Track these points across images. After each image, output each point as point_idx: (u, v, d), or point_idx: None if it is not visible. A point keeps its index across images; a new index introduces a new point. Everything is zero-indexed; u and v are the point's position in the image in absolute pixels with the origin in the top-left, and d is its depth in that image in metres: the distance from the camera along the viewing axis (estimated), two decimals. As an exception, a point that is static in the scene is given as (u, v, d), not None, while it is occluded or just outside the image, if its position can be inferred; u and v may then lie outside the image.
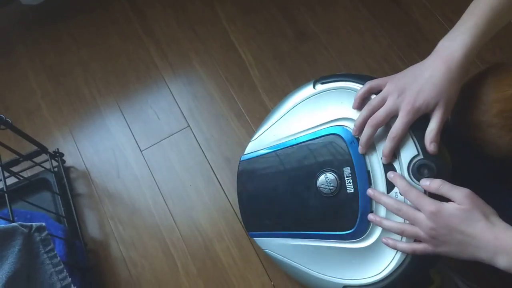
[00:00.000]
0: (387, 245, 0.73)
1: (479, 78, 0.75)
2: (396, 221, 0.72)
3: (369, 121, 0.73)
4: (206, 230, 1.04)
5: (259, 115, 1.13)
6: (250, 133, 1.11)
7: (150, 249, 1.04)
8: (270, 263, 0.99)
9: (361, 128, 0.74)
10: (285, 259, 0.87)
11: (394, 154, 0.73)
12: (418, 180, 0.71)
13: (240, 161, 0.93)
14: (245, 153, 0.93)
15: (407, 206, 0.69)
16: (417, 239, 0.70)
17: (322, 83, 0.85)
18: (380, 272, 0.77)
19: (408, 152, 0.73)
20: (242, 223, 0.90)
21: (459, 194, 0.64)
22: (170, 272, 1.01)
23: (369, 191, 0.75)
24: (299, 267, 0.85)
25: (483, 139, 0.73)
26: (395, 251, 0.74)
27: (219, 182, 1.08)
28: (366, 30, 1.19)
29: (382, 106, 0.71)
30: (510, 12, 0.67)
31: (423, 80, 0.67)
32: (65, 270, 0.71)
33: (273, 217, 0.89)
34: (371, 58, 1.15)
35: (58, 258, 0.72)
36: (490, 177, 0.77)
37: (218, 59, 1.20)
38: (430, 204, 0.65)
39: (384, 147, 0.73)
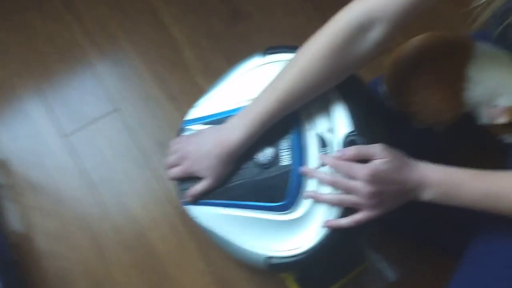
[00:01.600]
0: (330, 227, 0.73)
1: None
2: (333, 193, 0.72)
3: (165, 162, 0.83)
4: (139, 218, 0.99)
5: (193, 96, 1.06)
6: (183, 116, 1.06)
7: (79, 240, 0.97)
8: (207, 249, 0.96)
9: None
10: (212, 229, 0.83)
11: (330, 129, 0.76)
12: None
13: (180, 128, 0.87)
14: (185, 119, 0.88)
15: (341, 177, 0.70)
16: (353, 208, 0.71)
17: (271, 53, 0.83)
18: (304, 245, 0.76)
19: (344, 128, 0.74)
20: (177, 189, 0.85)
21: (377, 149, 0.69)
22: (101, 264, 0.96)
23: (302, 169, 0.75)
24: (224, 237, 0.82)
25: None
26: (319, 226, 0.75)
27: (151, 167, 1.03)
28: (301, 12, 1.17)
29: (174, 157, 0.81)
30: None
31: (202, 153, 0.77)
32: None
33: None
34: (305, 39, 1.13)
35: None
36: (420, 154, 0.79)
37: (148, 39, 1.13)
38: (363, 168, 0.67)
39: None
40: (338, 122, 0.75)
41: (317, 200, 0.74)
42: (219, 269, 0.95)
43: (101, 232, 0.98)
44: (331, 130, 0.76)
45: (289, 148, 0.78)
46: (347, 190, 0.70)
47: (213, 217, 0.83)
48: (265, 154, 0.79)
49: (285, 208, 0.78)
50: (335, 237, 0.75)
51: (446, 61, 0.76)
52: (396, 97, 0.81)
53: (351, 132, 0.74)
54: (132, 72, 1.11)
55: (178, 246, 0.97)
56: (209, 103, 0.87)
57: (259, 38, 1.14)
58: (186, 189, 0.83)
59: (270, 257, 0.78)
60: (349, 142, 0.73)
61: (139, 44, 1.13)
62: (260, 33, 1.14)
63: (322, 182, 0.73)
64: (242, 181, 0.81)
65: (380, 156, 0.68)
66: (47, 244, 0.97)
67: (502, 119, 0.73)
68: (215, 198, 0.82)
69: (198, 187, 0.80)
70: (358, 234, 0.83)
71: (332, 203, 0.72)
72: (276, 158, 0.79)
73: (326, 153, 0.75)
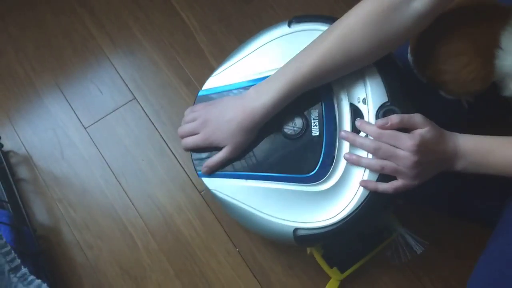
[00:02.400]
0: (367, 187, 0.72)
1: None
2: (373, 159, 0.71)
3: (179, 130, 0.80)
4: (164, 204, 0.99)
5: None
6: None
7: (106, 229, 0.98)
8: (234, 230, 0.96)
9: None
10: (234, 200, 0.79)
11: (364, 100, 0.74)
12: None
13: (197, 96, 0.84)
14: (203, 88, 0.84)
15: (385, 144, 0.68)
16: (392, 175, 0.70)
17: (297, 22, 0.80)
18: (334, 216, 0.74)
19: (378, 99, 0.73)
20: (192, 161, 0.81)
21: (419, 118, 0.68)
22: (129, 251, 0.96)
23: (342, 133, 0.74)
24: (248, 209, 0.78)
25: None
26: (353, 196, 0.73)
27: (173, 153, 1.03)
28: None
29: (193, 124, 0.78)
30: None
31: (222, 121, 0.74)
32: (12, 252, 0.65)
33: None
34: (319, 12, 1.12)
35: (4, 240, 0.66)
36: (449, 124, 0.79)
37: (160, 26, 1.13)
38: (410, 139, 0.67)
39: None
40: (372, 93, 0.74)
41: (358, 163, 0.72)
42: (248, 250, 0.95)
43: (127, 220, 0.98)
44: (364, 100, 0.74)
45: (320, 118, 0.76)
46: (391, 158, 0.68)
47: (234, 190, 0.79)
48: (295, 124, 0.77)
49: (315, 179, 0.76)
50: (365, 209, 0.73)
51: (479, 27, 0.72)
52: (423, 65, 0.78)
53: (386, 102, 0.73)
54: (147, 60, 1.11)
55: (204, 229, 0.97)
56: (229, 72, 0.83)
57: (271, 17, 1.13)
58: (202, 159, 0.80)
59: (298, 229, 0.76)
60: (384, 112, 0.72)
61: (152, 32, 1.12)
62: (272, 11, 1.13)
63: (364, 148, 0.71)
64: (268, 152, 0.78)
65: (422, 125, 0.68)
66: (75, 235, 0.98)
67: None
68: (237, 170, 0.79)
69: (216, 158, 0.77)
70: (387, 205, 0.81)
71: (373, 168, 0.71)
72: (306, 129, 0.76)
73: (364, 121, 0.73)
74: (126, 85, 1.09)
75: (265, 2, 1.14)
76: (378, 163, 0.69)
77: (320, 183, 0.75)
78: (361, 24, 0.67)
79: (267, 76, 0.75)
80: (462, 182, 0.79)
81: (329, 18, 0.78)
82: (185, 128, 0.79)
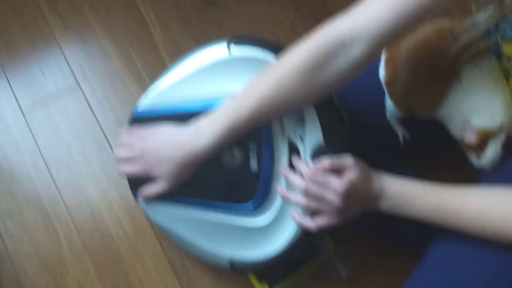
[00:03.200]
0: (294, 218, 0.74)
1: None
2: (302, 196, 0.72)
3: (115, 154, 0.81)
4: (95, 201, 0.95)
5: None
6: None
7: (29, 220, 0.93)
8: (165, 235, 0.93)
9: None
10: (173, 229, 0.82)
11: (301, 137, 0.75)
12: None
13: (133, 117, 0.82)
14: (138, 109, 0.82)
15: (316, 186, 0.70)
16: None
17: (237, 44, 0.79)
18: (270, 251, 0.77)
19: (314, 139, 0.75)
20: (129, 185, 0.83)
21: (349, 161, 0.70)
22: (52, 246, 0.92)
23: (282, 170, 0.75)
24: (186, 238, 0.81)
25: None
26: (287, 231, 0.76)
27: (111, 149, 0.99)
28: (276, 2, 1.14)
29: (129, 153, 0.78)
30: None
31: (161, 157, 0.74)
32: None
33: None
34: (280, 29, 1.11)
35: None
36: (381, 156, 0.81)
37: (116, 15, 1.09)
38: (340, 183, 0.68)
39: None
40: (309, 131, 0.75)
41: (286, 198, 0.74)
42: (177, 256, 0.92)
43: (54, 213, 0.94)
44: (301, 137, 0.75)
45: (259, 151, 0.76)
46: (318, 200, 0.70)
47: (172, 218, 0.81)
48: (233, 155, 0.77)
49: (252, 213, 0.77)
50: (300, 243, 0.76)
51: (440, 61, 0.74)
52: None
53: (320, 144, 0.74)
54: (98, 49, 1.06)
55: (134, 231, 0.94)
56: (166, 92, 0.81)
57: (231, 25, 1.11)
58: (137, 186, 0.80)
59: (234, 261, 0.79)
60: (318, 152, 0.74)
61: (106, 20, 1.08)
62: (232, 20, 1.11)
63: (296, 186, 0.73)
64: (206, 181, 0.78)
65: (352, 168, 0.69)
66: (-4, 222, 0.92)
67: (469, 139, 0.72)
68: (174, 195, 0.79)
69: (153, 189, 0.77)
70: (320, 237, 0.86)
71: (299, 204, 0.73)
72: (245, 161, 0.77)
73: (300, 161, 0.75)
74: (72, 71, 1.04)
75: (228, 10, 1.12)
76: (305, 201, 0.72)
77: (257, 217, 0.77)
78: (296, 72, 0.67)
79: (205, 103, 0.76)
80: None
81: (269, 46, 0.78)
82: (121, 153, 0.79)
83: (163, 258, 0.92)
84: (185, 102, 0.79)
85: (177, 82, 0.81)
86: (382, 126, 0.85)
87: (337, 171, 0.70)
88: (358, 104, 0.84)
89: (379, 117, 0.85)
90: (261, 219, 0.77)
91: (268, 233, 0.77)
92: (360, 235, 0.94)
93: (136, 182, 0.81)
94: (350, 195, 0.68)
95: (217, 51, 0.80)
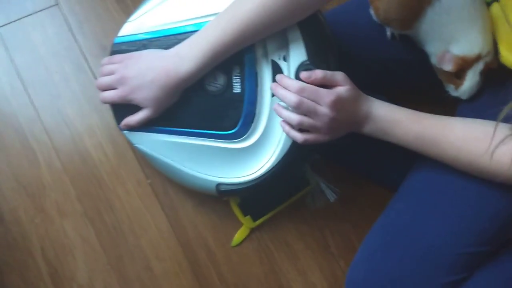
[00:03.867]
0: (283, 128, 0.73)
1: None
2: (293, 113, 0.71)
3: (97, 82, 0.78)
4: (74, 123, 0.93)
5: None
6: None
7: (5, 140, 0.90)
8: (147, 161, 0.92)
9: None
10: (158, 155, 0.81)
11: (284, 57, 0.74)
12: None
13: (113, 44, 0.80)
14: (119, 35, 0.81)
15: (306, 99, 0.68)
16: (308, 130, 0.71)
17: None
18: (255, 172, 0.78)
19: (298, 57, 0.73)
20: (113, 113, 0.81)
21: (341, 76, 0.69)
22: (29, 167, 0.90)
23: (272, 85, 0.74)
24: (172, 163, 0.80)
25: None
26: (272, 153, 0.76)
27: (91, 71, 0.95)
28: None
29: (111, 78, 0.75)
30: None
31: (143, 81, 0.72)
32: None
33: None
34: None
35: None
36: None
37: None
38: (329, 95, 0.67)
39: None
40: (292, 50, 0.74)
41: (279, 113, 0.73)
42: (159, 182, 0.92)
43: (31, 133, 0.91)
44: (285, 58, 0.74)
45: (242, 75, 0.75)
46: (310, 114, 0.69)
47: (157, 144, 0.80)
48: (216, 81, 0.76)
49: (235, 136, 0.77)
50: (284, 164, 0.76)
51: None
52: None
53: (305, 61, 0.73)
54: (76, -36, 1.00)
55: (115, 155, 0.92)
56: (147, 17, 0.79)
57: None
58: (122, 115, 0.78)
59: (220, 184, 0.79)
60: (302, 69, 0.72)
61: None
62: None
63: (285, 100, 0.71)
64: (190, 108, 0.77)
65: (343, 83, 0.69)
66: (-30, 142, 0.89)
67: (447, 67, 0.72)
68: (159, 125, 0.78)
69: (135, 117, 0.76)
70: (305, 159, 0.86)
71: (292, 121, 0.71)
72: (227, 85, 0.76)
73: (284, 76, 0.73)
74: (50, -13, 0.98)
75: None
76: (297, 117, 0.70)
77: (242, 140, 0.77)
78: None
79: (186, 27, 0.75)
80: (374, 145, 0.82)
81: None
82: (102, 80, 0.77)
83: (145, 184, 0.91)
84: (166, 27, 0.77)
85: (159, 7, 0.79)
86: (370, 60, 0.85)
87: (326, 86, 0.69)
88: (347, 37, 0.83)
89: (367, 50, 0.85)
90: (247, 142, 0.77)
91: (254, 155, 0.77)
92: (338, 170, 0.94)
93: (120, 112, 0.80)
94: (339, 109, 0.68)
95: None
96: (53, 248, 0.86)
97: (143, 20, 0.80)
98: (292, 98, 0.69)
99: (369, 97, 0.72)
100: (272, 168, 0.77)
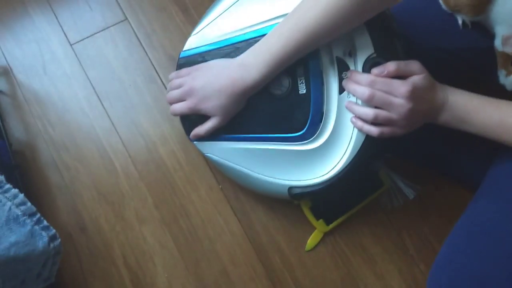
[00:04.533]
0: (355, 124, 0.72)
1: None
2: (367, 107, 0.70)
3: (167, 96, 0.80)
4: (148, 132, 0.96)
5: (206, 9, 1.02)
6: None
7: (85, 152, 0.94)
8: (219, 169, 0.94)
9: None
10: (229, 162, 0.81)
11: (350, 53, 0.73)
12: None
13: (179, 58, 0.83)
14: (184, 49, 0.83)
15: (379, 91, 0.67)
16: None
17: None
18: (327, 173, 0.76)
19: (365, 51, 0.72)
20: (182, 125, 0.83)
21: (415, 65, 0.67)
22: (108, 176, 0.93)
23: (343, 82, 0.73)
24: (243, 170, 0.81)
25: None
26: (343, 152, 0.75)
27: (162, 82, 0.98)
28: None
29: (179, 91, 0.77)
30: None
31: (211, 90, 0.73)
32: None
33: None
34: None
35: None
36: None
37: None
38: (403, 85, 0.66)
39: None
40: (358, 45, 0.72)
41: (351, 109, 0.72)
42: (231, 188, 0.93)
43: (108, 144, 0.95)
44: (350, 53, 0.73)
45: (306, 75, 0.75)
46: (385, 106, 0.67)
47: (227, 152, 0.81)
48: (281, 83, 0.76)
49: (304, 137, 0.76)
50: (356, 163, 0.75)
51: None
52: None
53: (372, 54, 0.71)
54: (143, -20, 1.04)
55: (188, 162, 0.94)
56: (209, 30, 0.81)
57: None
58: (191, 126, 0.80)
59: (292, 187, 0.78)
60: (371, 65, 0.71)
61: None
62: None
63: (357, 94, 0.70)
64: (256, 113, 0.77)
65: (419, 71, 0.67)
66: (52, 154, 0.94)
67: (510, 48, 0.69)
68: (228, 133, 0.79)
69: (205, 127, 0.77)
70: (377, 158, 0.83)
71: (366, 117, 0.69)
72: (293, 87, 0.76)
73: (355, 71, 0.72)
74: (119, 4, 1.02)
75: None
76: (371, 111, 0.68)
77: (311, 141, 0.76)
78: None
79: (246, 35, 0.76)
80: (451, 139, 0.79)
81: None
82: (171, 94, 0.78)
83: (217, 189, 0.93)
84: (227, 36, 0.79)
85: (219, 19, 0.81)
86: (442, 50, 0.82)
87: (400, 77, 0.67)
88: (417, 28, 0.81)
89: (439, 41, 0.82)
90: (317, 143, 0.76)
91: (324, 155, 0.76)
92: (412, 169, 0.92)
93: (189, 123, 0.82)
94: (416, 98, 0.66)
95: None
96: (134, 255, 0.89)
97: (205, 32, 0.82)
98: (365, 91, 0.67)
99: (444, 85, 0.69)
100: (345, 168, 0.75)
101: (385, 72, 0.67)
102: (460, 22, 0.79)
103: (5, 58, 0.99)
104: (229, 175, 0.86)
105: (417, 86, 0.66)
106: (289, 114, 0.77)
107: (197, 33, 0.83)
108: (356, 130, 0.73)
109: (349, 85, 0.71)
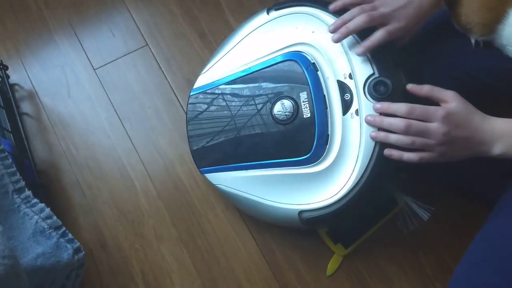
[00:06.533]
0: (391, 156, 0.71)
1: None
2: (400, 135, 0.69)
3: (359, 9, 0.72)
4: (167, 152, 0.99)
5: (224, 35, 1.06)
6: (212, 54, 1.04)
7: (107, 171, 0.97)
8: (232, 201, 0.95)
9: (341, 7, 0.76)
10: (238, 192, 0.83)
11: (350, 75, 0.74)
12: (374, 98, 0.72)
13: (189, 95, 0.88)
14: (194, 87, 0.89)
15: (415, 121, 0.67)
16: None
17: (276, 10, 0.83)
18: (336, 194, 0.76)
19: (364, 72, 0.73)
20: (193, 159, 0.87)
21: (450, 93, 0.66)
22: (128, 195, 0.96)
23: (368, 118, 0.72)
24: (253, 198, 0.82)
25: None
26: (351, 172, 0.75)
27: (180, 104, 1.02)
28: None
29: (372, 7, 0.72)
30: None
31: (414, 4, 0.71)
32: (18, 173, 0.64)
33: (226, 151, 0.84)
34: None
35: (10, 161, 0.65)
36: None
37: (180, -26, 1.11)
38: (438, 110, 0.66)
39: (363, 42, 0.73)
40: (356, 66, 0.74)
41: (386, 140, 0.71)
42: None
43: (129, 164, 0.98)
44: (350, 76, 0.74)
45: (310, 99, 0.77)
46: (421, 134, 0.67)
47: (236, 181, 0.83)
48: (285, 108, 0.78)
49: (311, 160, 0.77)
50: (367, 183, 0.74)
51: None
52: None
53: (372, 74, 0.72)
54: (163, 8, 1.09)
55: (205, 182, 0.96)
56: (217, 67, 0.87)
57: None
58: (200, 158, 0.85)
59: (302, 211, 0.78)
60: (373, 85, 0.72)
61: (170, -20, 1.10)
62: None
63: (393, 128, 0.69)
64: (262, 140, 0.80)
65: (454, 100, 0.66)
66: (75, 174, 0.97)
67: None
68: (235, 162, 0.82)
69: (377, 36, 0.71)
70: (390, 178, 0.81)
71: (403, 143, 0.69)
72: (297, 112, 0.78)
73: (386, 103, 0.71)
74: (140, 30, 1.07)
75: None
76: (408, 138, 0.68)
77: (318, 163, 0.77)
78: None
79: (253, 68, 0.81)
80: (468, 160, 0.79)
81: (306, 0, 0.80)
82: (344, 17, 0.73)
83: (233, 208, 0.95)
84: (233, 72, 0.84)
85: (225, 57, 0.87)
86: (461, 73, 0.82)
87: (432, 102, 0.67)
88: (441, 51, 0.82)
89: (456, 64, 0.83)
90: (323, 165, 0.77)
91: (332, 176, 0.76)
92: (427, 188, 0.91)
93: (199, 156, 0.86)
94: (452, 122, 0.65)
95: (258, 19, 0.85)
96: (152, 271, 0.91)
97: (213, 70, 0.88)
98: (401, 123, 0.67)
99: (484, 114, 0.67)
100: (353, 188, 0.75)
101: (420, 92, 0.68)
102: (473, 41, 0.80)
103: (31, 82, 1.04)
104: (240, 206, 0.88)
105: (451, 111, 0.65)
106: (295, 138, 0.78)
107: (206, 71, 0.89)
108: (362, 150, 0.73)
109: (383, 120, 0.70)
